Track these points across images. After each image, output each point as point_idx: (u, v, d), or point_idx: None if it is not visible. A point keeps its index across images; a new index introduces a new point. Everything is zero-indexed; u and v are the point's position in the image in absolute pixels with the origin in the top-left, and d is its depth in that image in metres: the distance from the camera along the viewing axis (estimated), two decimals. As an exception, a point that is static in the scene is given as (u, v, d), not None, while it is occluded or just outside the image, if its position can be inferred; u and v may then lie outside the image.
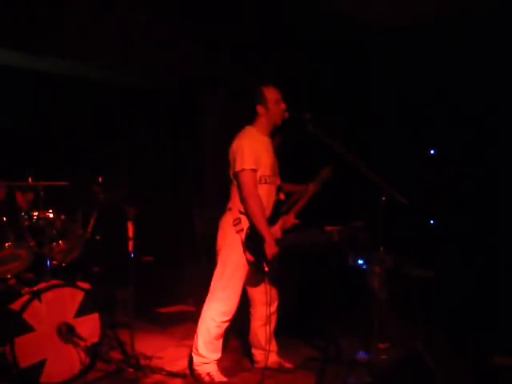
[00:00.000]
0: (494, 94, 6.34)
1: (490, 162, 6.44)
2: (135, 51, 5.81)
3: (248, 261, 4.36)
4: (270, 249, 4.30)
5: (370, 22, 6.64)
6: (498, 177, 6.35)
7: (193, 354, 4.49)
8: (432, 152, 7.05)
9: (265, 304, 4.51)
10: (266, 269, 4.36)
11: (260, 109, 4.48)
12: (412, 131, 6.89)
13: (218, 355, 4.49)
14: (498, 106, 6.34)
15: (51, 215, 4.67)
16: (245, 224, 4.37)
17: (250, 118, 4.55)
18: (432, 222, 6.84)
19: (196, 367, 4.47)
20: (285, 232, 4.58)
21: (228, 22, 6.39)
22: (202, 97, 6.86)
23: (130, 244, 4.68)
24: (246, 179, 4.32)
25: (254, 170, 4.35)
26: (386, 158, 6.39)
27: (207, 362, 4.43)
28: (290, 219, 4.60)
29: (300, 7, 6.58)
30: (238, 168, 4.34)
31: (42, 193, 4.62)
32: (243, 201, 4.34)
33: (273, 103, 4.47)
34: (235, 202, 4.43)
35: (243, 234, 4.36)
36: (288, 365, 4.77)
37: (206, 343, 4.42)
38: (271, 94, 4.48)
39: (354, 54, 7.05)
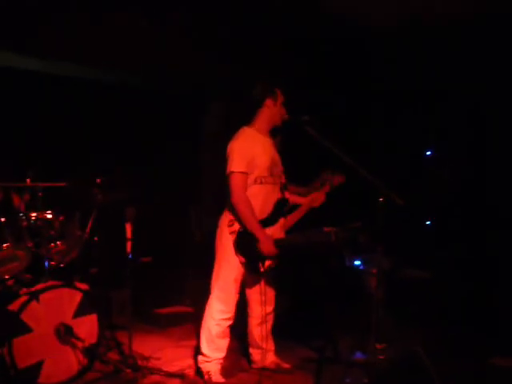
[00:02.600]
0: (493, 95, 6.36)
1: (487, 164, 6.46)
2: (137, 54, 5.84)
3: (241, 262, 4.39)
4: (266, 247, 4.28)
5: (369, 22, 6.64)
6: (496, 177, 6.37)
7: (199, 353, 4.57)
8: (428, 153, 7.07)
9: (261, 303, 4.53)
10: (262, 269, 4.37)
11: (269, 102, 4.47)
12: (409, 132, 6.90)
13: (222, 354, 4.52)
14: (496, 107, 6.36)
15: (49, 216, 4.66)
16: (237, 226, 4.38)
17: (248, 120, 4.56)
18: (429, 222, 6.86)
19: (199, 365, 4.55)
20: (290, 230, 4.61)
21: (231, 27, 6.42)
22: (203, 102, 6.87)
23: (128, 245, 4.68)
24: (234, 182, 4.31)
25: (243, 173, 4.33)
26: (384, 160, 6.41)
27: (209, 360, 4.48)
28: (319, 197, 4.71)
29: (301, 12, 6.58)
30: (227, 171, 4.34)
31: (40, 193, 4.63)
32: (233, 204, 4.33)
33: (280, 103, 4.50)
34: (229, 204, 4.45)
35: (235, 236, 4.39)
36: (286, 365, 4.79)
37: (209, 342, 4.47)
38: (280, 94, 4.51)
39: (351, 56, 7.07)
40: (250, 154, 4.36)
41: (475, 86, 6.44)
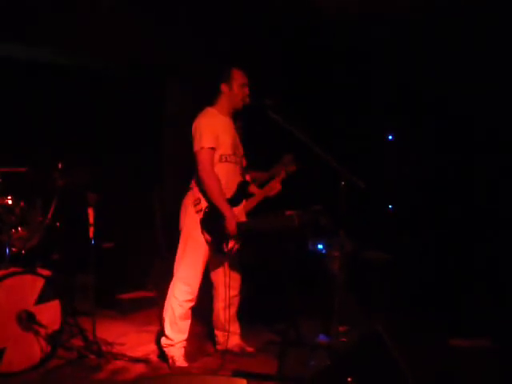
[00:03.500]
0: (455, 80, 6.43)
1: (450, 149, 6.54)
2: (97, 36, 5.78)
3: (206, 241, 4.41)
4: (231, 225, 4.35)
5: (336, 10, 6.67)
6: (458, 163, 6.45)
7: (162, 336, 4.56)
8: (390, 138, 7.13)
9: (226, 286, 4.57)
10: (226, 249, 4.42)
11: (224, 87, 4.52)
12: (371, 117, 6.95)
13: (184, 336, 4.53)
14: (460, 92, 6.43)
15: (10, 202, 4.58)
16: (204, 204, 4.42)
17: (210, 100, 4.58)
18: (390, 206, 6.93)
19: (163, 348, 4.55)
20: (247, 215, 4.63)
21: (191, 8, 6.39)
22: (163, 84, 6.84)
23: (91, 230, 4.65)
24: (203, 158, 4.36)
25: (212, 149, 4.39)
26: (346, 144, 6.45)
27: (172, 343, 4.49)
28: (275, 186, 4.67)
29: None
30: (196, 147, 4.38)
31: (0, 179, 4.57)
32: (200, 179, 4.37)
33: (237, 85, 4.52)
34: (196, 182, 4.47)
35: (202, 214, 4.40)
36: (249, 348, 4.83)
37: (172, 323, 4.48)
38: (238, 75, 4.54)
39: (315, 41, 7.09)
40: (216, 131, 4.43)
41: (442, 75, 6.52)
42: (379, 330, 3.56)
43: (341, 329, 4.57)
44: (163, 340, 4.54)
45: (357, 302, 5.16)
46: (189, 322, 4.55)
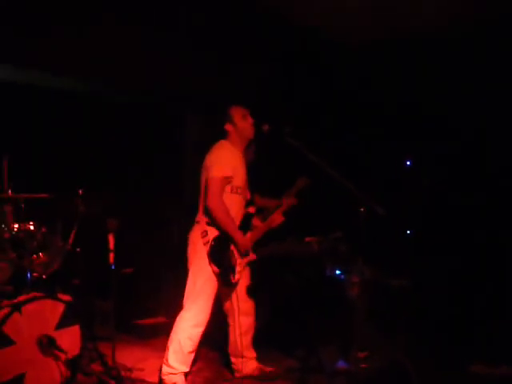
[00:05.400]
0: (467, 106, 6.45)
1: (466, 174, 6.54)
2: (120, 66, 5.84)
3: (214, 273, 4.44)
4: (243, 246, 4.48)
5: (344, 37, 6.74)
6: (474, 186, 6.44)
7: (163, 364, 4.54)
8: (408, 163, 7.14)
9: (240, 313, 4.59)
10: (233, 280, 4.47)
11: (228, 127, 4.66)
12: (389, 143, 6.97)
13: (187, 368, 4.53)
14: (471, 118, 6.45)
15: (32, 227, 4.62)
16: (211, 236, 4.46)
17: (224, 134, 4.71)
18: (409, 232, 6.91)
19: (163, 377, 4.52)
20: (258, 243, 4.66)
21: (210, 39, 6.47)
22: (184, 112, 6.89)
23: (111, 256, 4.69)
24: (215, 186, 4.42)
25: (226, 178, 4.47)
26: (364, 170, 6.47)
27: (175, 372, 4.47)
28: (277, 218, 4.70)
29: (274, 24, 6.67)
30: (210, 173, 4.45)
31: (22, 205, 4.62)
32: (208, 207, 4.42)
33: (239, 119, 4.65)
34: (203, 215, 4.54)
35: (208, 246, 4.45)
36: (269, 368, 4.84)
37: (177, 354, 4.47)
38: (236, 112, 4.68)
39: (331, 68, 7.15)
40: (233, 162, 4.55)
41: (451, 96, 6.54)
42: (400, 357, 3.55)
43: (361, 355, 4.55)
44: (165, 369, 4.51)
45: (377, 328, 5.13)
46: (193, 354, 4.55)
